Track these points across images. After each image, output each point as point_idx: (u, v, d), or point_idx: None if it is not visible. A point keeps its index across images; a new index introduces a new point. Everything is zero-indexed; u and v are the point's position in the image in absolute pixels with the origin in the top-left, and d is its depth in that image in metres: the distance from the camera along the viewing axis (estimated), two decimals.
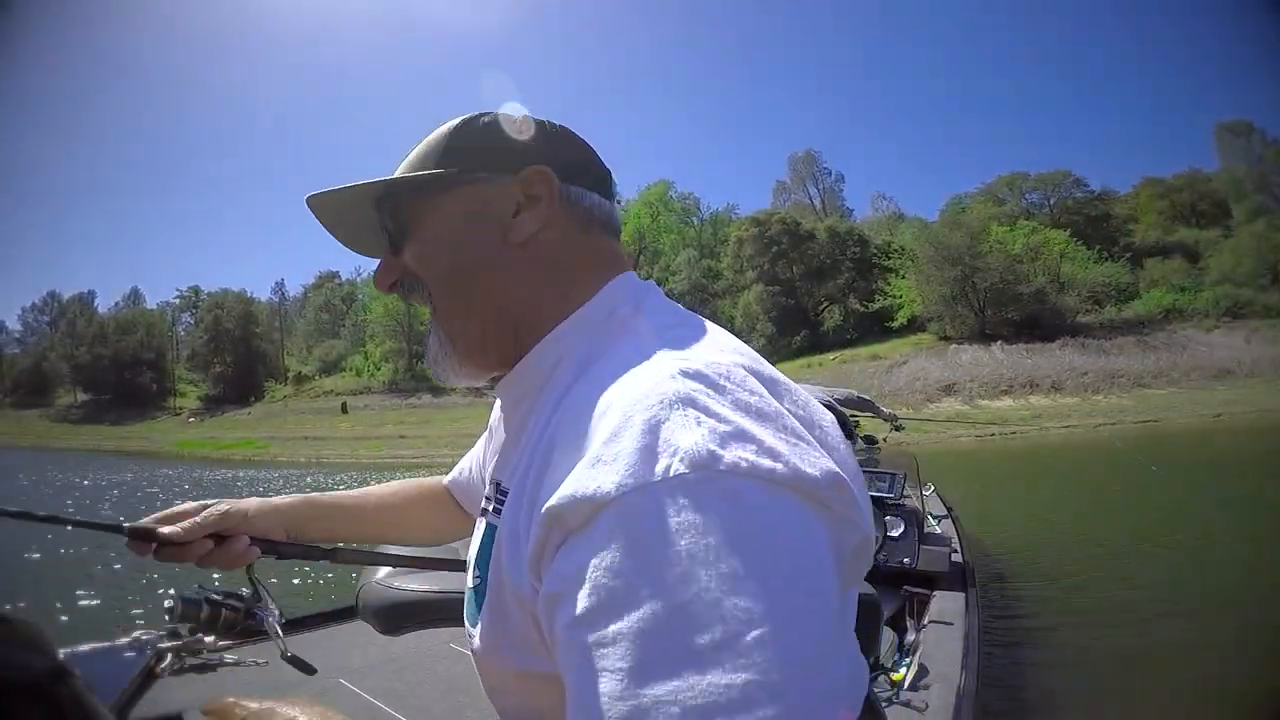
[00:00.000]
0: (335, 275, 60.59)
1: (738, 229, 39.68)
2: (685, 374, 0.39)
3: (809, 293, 36.39)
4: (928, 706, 1.70)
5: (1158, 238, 33.84)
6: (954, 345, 27.18)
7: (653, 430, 0.36)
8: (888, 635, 2.31)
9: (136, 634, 1.72)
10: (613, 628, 0.32)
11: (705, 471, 0.34)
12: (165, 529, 0.72)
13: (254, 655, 1.91)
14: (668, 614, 0.31)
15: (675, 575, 0.32)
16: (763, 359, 0.49)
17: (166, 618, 0.74)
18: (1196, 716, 2.75)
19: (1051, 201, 36.27)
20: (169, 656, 1.84)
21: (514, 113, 0.59)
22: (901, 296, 30.98)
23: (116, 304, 61.68)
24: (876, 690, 1.75)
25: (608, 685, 0.31)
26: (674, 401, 0.37)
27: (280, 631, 0.79)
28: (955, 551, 3.08)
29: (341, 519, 0.85)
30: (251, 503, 0.78)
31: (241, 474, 20.66)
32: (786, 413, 0.40)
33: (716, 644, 0.30)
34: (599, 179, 0.58)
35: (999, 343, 26.28)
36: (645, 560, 0.33)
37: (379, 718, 1.63)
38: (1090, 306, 27.69)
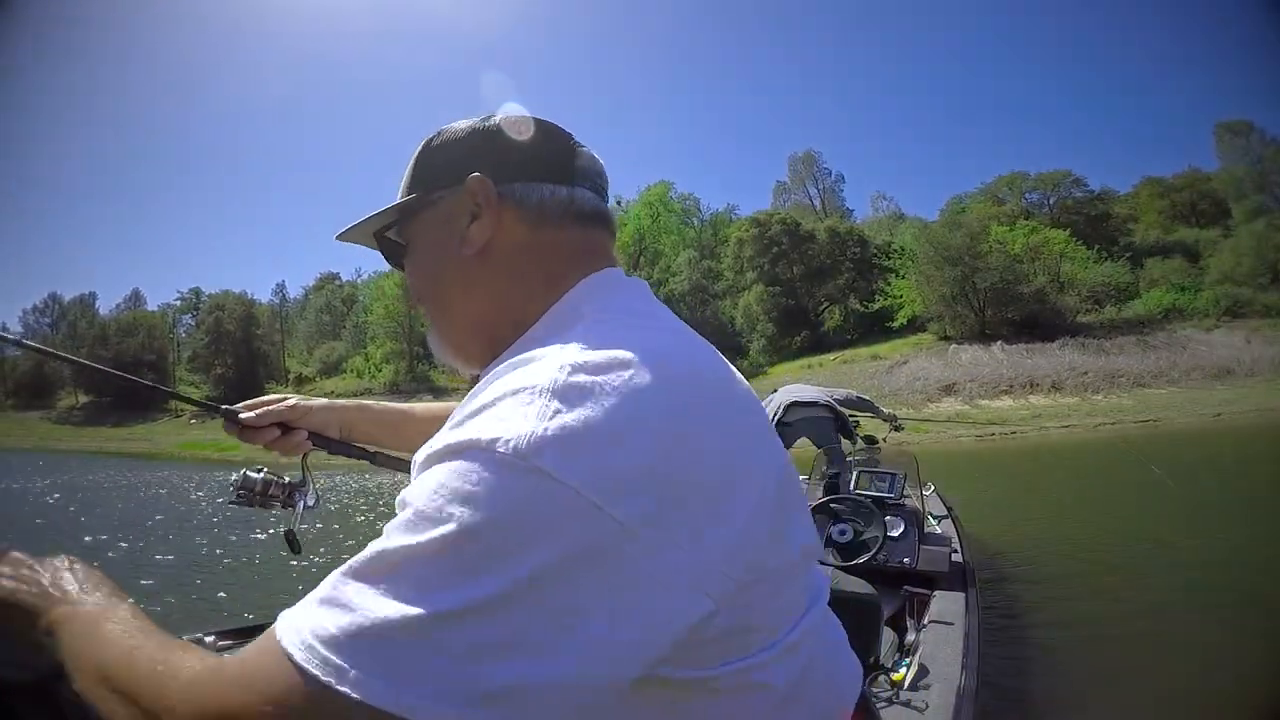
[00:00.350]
0: (336, 277, 60.58)
1: (738, 229, 39.60)
2: (576, 368, 0.42)
3: (809, 293, 36.33)
4: (928, 706, 1.70)
5: (1158, 237, 33.75)
6: (954, 345, 27.13)
7: (511, 408, 0.40)
8: (888, 635, 2.31)
9: None
10: (379, 541, 0.39)
11: (522, 459, 0.37)
12: (245, 414, 0.89)
13: None
14: (408, 546, 0.37)
15: (435, 522, 0.37)
16: (717, 365, 0.50)
17: (231, 489, 0.91)
18: (1197, 716, 2.75)
19: (1051, 201, 36.16)
20: None
21: (510, 114, 0.58)
22: (902, 297, 30.90)
23: (117, 305, 61.48)
24: (876, 690, 1.75)
25: (341, 570, 0.39)
26: (544, 390, 0.40)
27: (302, 511, 0.93)
28: (955, 551, 3.08)
29: (386, 426, 0.96)
30: (318, 401, 0.93)
31: None
32: (661, 431, 0.41)
33: (414, 582, 0.36)
34: (554, 166, 0.57)
35: (999, 343, 26.24)
36: (430, 502, 0.38)
37: None
38: (1090, 306, 27.65)
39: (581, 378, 0.41)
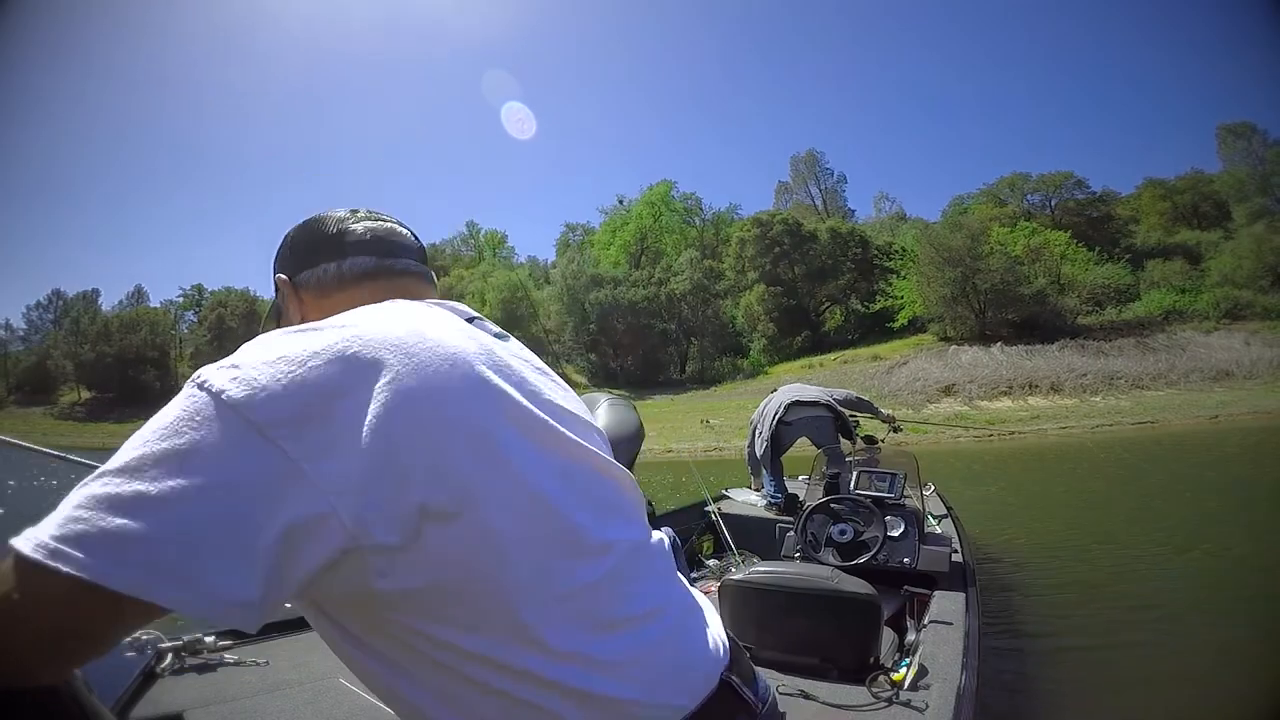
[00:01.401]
0: None
1: (740, 229, 39.54)
2: (285, 332, 0.52)
3: (810, 293, 36.31)
4: (928, 706, 1.69)
5: (1159, 239, 33.69)
6: (954, 346, 27.10)
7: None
8: (888, 635, 2.31)
9: (137, 634, 1.71)
10: None
11: (198, 383, 0.48)
12: None
13: (254, 655, 1.90)
14: (126, 443, 0.47)
15: (147, 428, 0.47)
16: (453, 352, 0.55)
17: None
18: (1197, 715, 2.75)
19: (1053, 203, 36.14)
20: (169, 656, 1.83)
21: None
22: (902, 297, 30.87)
23: (120, 302, 61.10)
24: (876, 690, 1.74)
25: None
26: (248, 345, 0.51)
27: None
28: (955, 551, 3.07)
29: None
30: None
31: None
32: (316, 365, 0.49)
33: (116, 470, 0.45)
34: (326, 249, 0.75)
35: (999, 344, 26.21)
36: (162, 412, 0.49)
37: (379, 717, 1.62)
38: (1090, 308, 27.62)
39: (276, 335, 0.52)
